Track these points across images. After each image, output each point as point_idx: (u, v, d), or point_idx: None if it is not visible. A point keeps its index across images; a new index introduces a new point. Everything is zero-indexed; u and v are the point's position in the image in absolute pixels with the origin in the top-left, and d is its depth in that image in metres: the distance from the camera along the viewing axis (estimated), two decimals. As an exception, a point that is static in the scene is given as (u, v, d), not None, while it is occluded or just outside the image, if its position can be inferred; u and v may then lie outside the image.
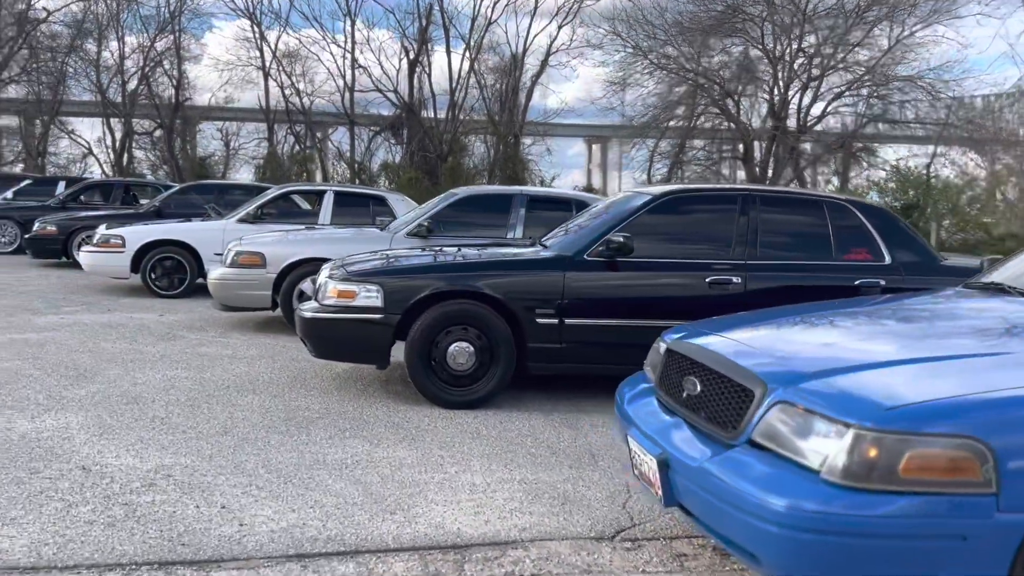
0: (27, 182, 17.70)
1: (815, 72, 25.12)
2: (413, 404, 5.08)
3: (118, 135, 36.11)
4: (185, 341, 7.03)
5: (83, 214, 13.18)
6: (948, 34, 22.77)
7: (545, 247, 5.46)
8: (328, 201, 10.26)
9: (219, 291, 7.51)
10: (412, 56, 34.64)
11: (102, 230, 9.95)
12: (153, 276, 9.78)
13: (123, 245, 9.71)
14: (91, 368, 5.81)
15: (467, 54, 33.80)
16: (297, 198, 11.51)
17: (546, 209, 7.87)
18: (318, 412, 4.84)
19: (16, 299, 9.18)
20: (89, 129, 38.50)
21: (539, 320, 4.91)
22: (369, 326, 4.92)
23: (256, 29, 34.49)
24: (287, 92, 35.43)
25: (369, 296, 4.92)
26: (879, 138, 27.14)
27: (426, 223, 7.50)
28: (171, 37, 35.62)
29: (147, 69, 35.74)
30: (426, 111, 34.58)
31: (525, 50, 33.59)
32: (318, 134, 36.20)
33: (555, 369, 5.07)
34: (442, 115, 34.29)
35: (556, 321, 4.92)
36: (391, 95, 34.11)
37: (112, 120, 35.97)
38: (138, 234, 9.79)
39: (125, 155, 36.78)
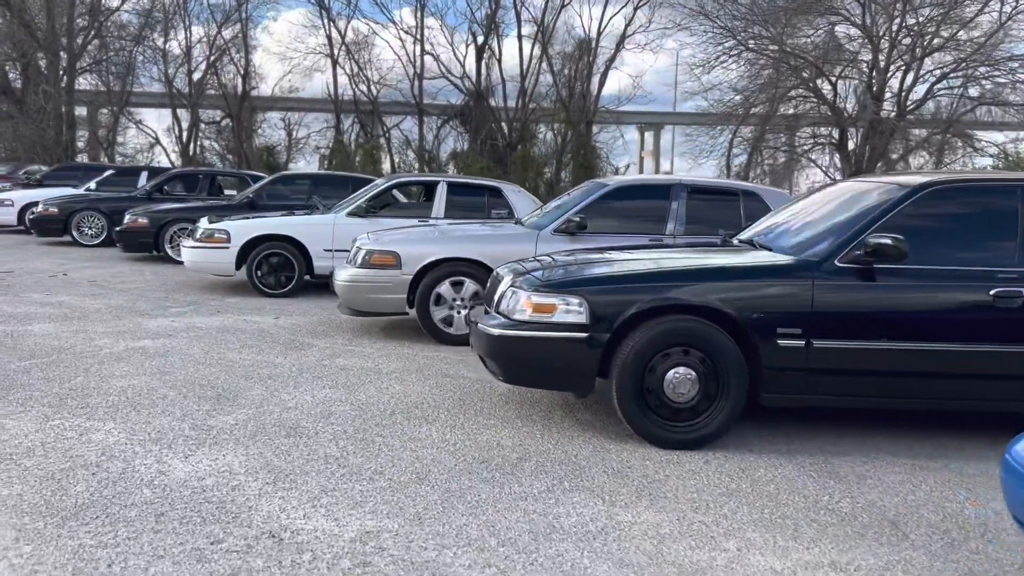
0: (109, 172, 17.32)
1: (918, 52, 23.60)
2: (617, 440, 4.24)
3: (184, 124, 36.05)
4: (315, 351, 6.30)
5: (173, 206, 12.64)
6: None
7: (764, 249, 4.57)
8: (441, 193, 9.48)
9: (348, 294, 6.76)
10: (480, 42, 33.90)
11: (204, 224, 9.32)
12: (259, 273, 9.12)
13: (228, 240, 9.07)
14: (228, 387, 5.10)
15: (538, 38, 32.89)
16: (398, 191, 10.79)
17: (708, 201, 6.96)
18: (515, 450, 4.03)
19: (118, 298, 8.59)
20: (156, 119, 38.62)
21: (780, 342, 4.02)
22: (572, 347, 4.08)
23: (324, 15, 34.01)
24: (355, 80, 35.00)
25: (571, 311, 4.08)
26: (979, 124, 25.51)
27: (577, 218, 6.64)
28: (237, 26, 35.43)
29: (213, 58, 35.60)
30: (494, 99, 33.78)
31: (600, 32, 32.52)
32: (386, 122, 35.61)
33: (795, 401, 4.18)
34: (511, 103, 33.47)
35: (802, 343, 4.02)
36: (459, 82, 33.42)
37: (179, 110, 35.94)
38: (244, 229, 9.13)
39: (192, 144, 36.75)
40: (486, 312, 4.74)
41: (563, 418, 4.64)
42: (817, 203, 4.92)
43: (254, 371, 5.55)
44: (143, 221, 12.04)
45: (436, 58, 33.39)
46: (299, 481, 3.54)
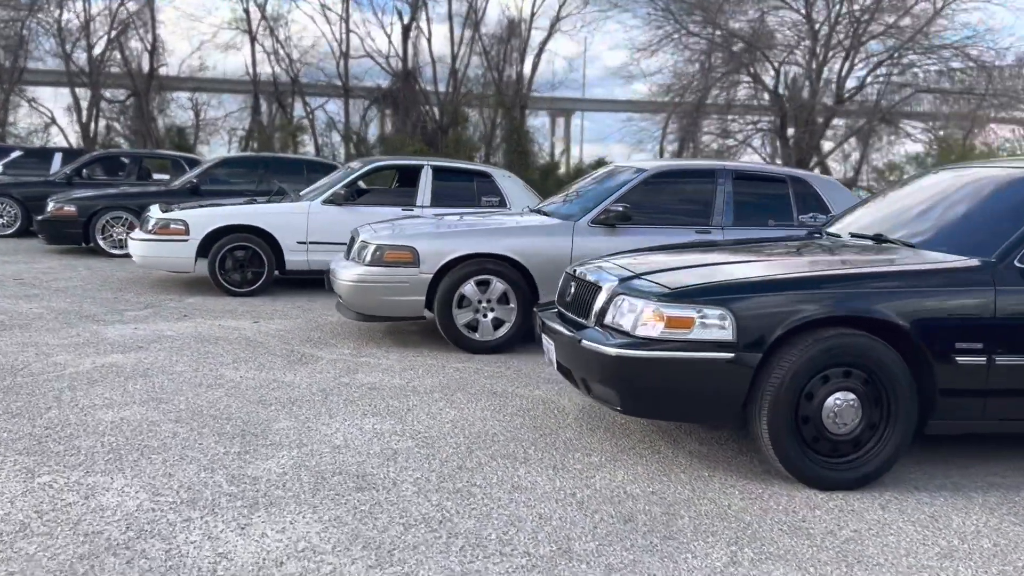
0: (17, 153, 15.62)
1: (853, 40, 23.71)
2: (758, 480, 3.51)
3: (84, 104, 33.46)
4: (325, 364, 5.36)
5: (104, 192, 11.27)
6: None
7: (906, 246, 3.91)
8: (426, 179, 8.57)
9: (356, 296, 5.82)
10: (407, 20, 32.64)
11: (157, 213, 8.14)
12: (223, 269, 8.02)
13: (186, 232, 7.93)
14: (247, 418, 4.14)
15: (470, 18, 31.90)
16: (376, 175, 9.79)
17: (755, 188, 6.30)
18: (651, 501, 3.25)
19: (59, 300, 7.38)
20: (52, 98, 35.76)
21: (959, 359, 3.37)
22: (716, 370, 3.32)
23: (243, -11, 32.03)
24: (275, 58, 33.19)
25: (713, 325, 3.32)
26: (915, 115, 25.89)
27: (619, 208, 5.87)
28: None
29: (116, 32, 33.15)
30: (423, 81, 32.60)
31: (533, 13, 31.72)
32: (309, 104, 33.97)
33: (970, 427, 3.54)
34: (442, 86, 32.37)
35: (983, 360, 3.38)
36: (384, 62, 32.09)
37: (79, 88, 33.31)
38: (205, 219, 8.00)
39: (93, 125, 34.22)
40: (568, 319, 3.94)
41: (671, 450, 3.88)
42: (944, 193, 4.29)
43: (267, 394, 4.59)
44: (70, 209, 10.66)
45: (361, 39, 32.02)
46: (411, 561, 2.68)
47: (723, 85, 25.48)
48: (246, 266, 8.08)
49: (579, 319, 3.86)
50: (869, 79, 24.29)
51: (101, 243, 10.68)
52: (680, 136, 32.03)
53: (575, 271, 4.21)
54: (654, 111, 30.27)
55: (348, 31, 31.99)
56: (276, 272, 8.19)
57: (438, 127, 32.10)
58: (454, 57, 32.22)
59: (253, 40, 32.82)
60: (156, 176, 14.33)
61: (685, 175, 6.40)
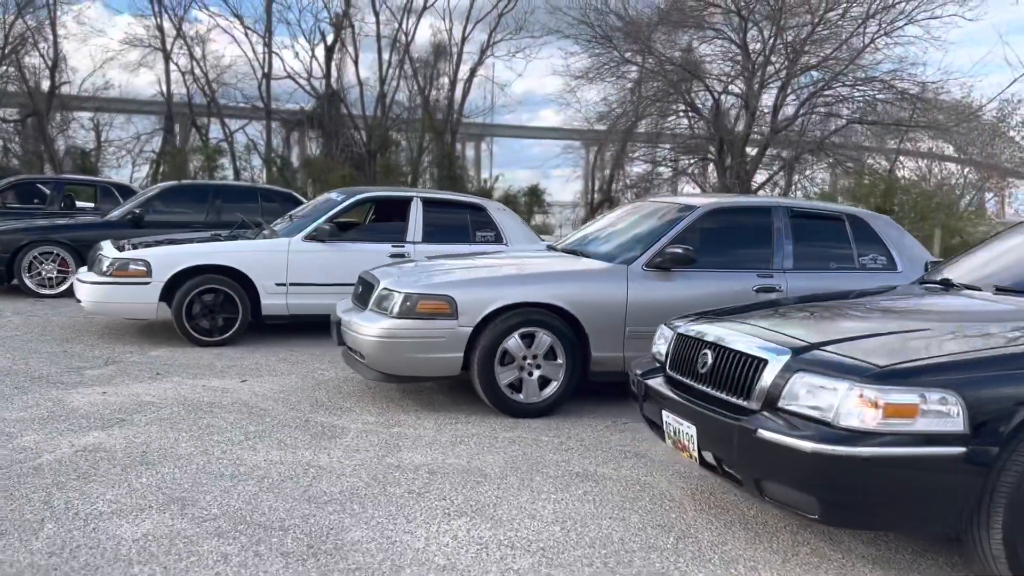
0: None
1: (787, 71, 24.02)
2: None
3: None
4: (358, 440, 4.51)
5: (28, 225, 9.98)
6: (924, 33, 22.16)
7: None
8: (416, 212, 7.78)
9: (383, 354, 4.98)
10: (330, 41, 31.60)
11: (111, 252, 7.07)
12: (189, 316, 7.00)
13: (148, 273, 6.89)
14: (306, 525, 3.28)
15: (397, 41, 31.13)
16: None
17: (813, 228, 5.77)
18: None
19: (2, 356, 6.25)
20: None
21: None
22: (945, 470, 2.69)
23: (157, 3, 30.37)
24: (191, 77, 31.53)
25: (937, 413, 2.69)
26: (842, 147, 26.32)
27: (679, 250, 5.22)
28: (41, 11, 30.85)
29: (10, 48, 30.87)
30: (347, 105, 31.52)
31: (464, 38, 31.19)
32: (228, 125, 32.41)
33: None
34: (369, 108, 31.39)
35: None
36: (308, 83, 30.91)
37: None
38: (169, 258, 6.98)
39: (-16, 145, 31.73)
40: (705, 396, 3.26)
41: (837, 552, 3.23)
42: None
43: (311, 486, 3.73)
44: (-9, 244, 9.36)
45: (282, 59, 30.82)
46: None
47: (658, 112, 25.44)
48: (216, 312, 7.08)
49: (729, 397, 3.18)
50: (802, 110, 24.62)
51: (28, 282, 9.40)
52: (611, 164, 31.97)
53: (695, 333, 3.52)
54: (588, 139, 30.14)
55: (270, 51, 30.72)
56: (250, 318, 7.23)
57: (367, 151, 31.11)
58: (382, 80, 31.35)
59: (167, 58, 31.13)
60: (82, 204, 12.97)
61: (741, 213, 5.81)
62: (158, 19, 30.68)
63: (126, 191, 12.45)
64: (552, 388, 5.12)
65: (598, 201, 30.66)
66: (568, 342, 5.09)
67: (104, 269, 6.93)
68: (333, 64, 31.50)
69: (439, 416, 5.05)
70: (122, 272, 6.88)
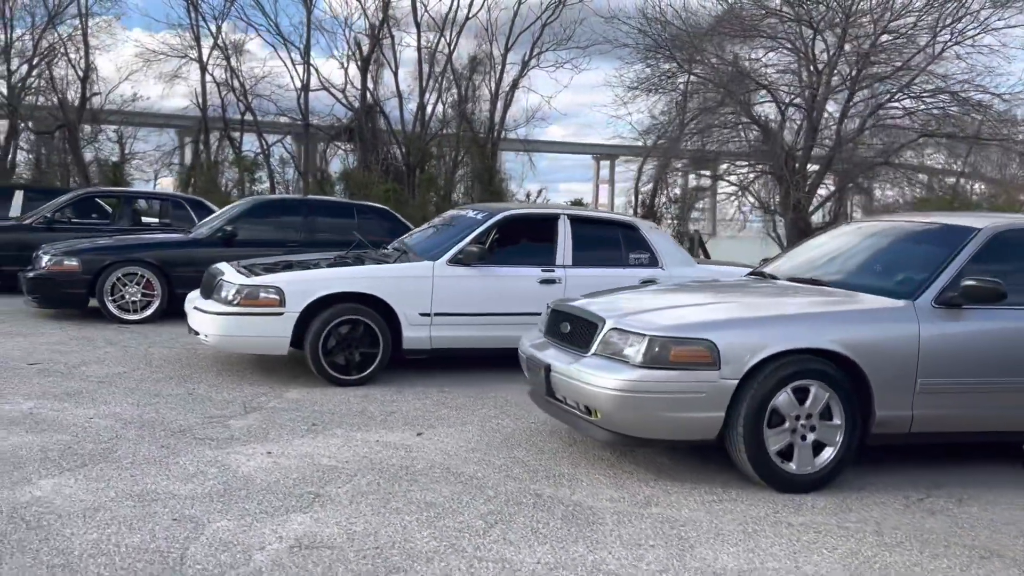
0: (-32, 191, 13.17)
1: (856, 80, 23.05)
2: None
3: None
4: (622, 525, 3.56)
5: (111, 243, 9.10)
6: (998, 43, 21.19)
7: None
8: (564, 232, 6.87)
9: (626, 411, 4.03)
10: (366, 52, 30.83)
11: (235, 277, 6.16)
12: (325, 351, 6.09)
13: (281, 302, 5.98)
14: None
15: (440, 52, 30.32)
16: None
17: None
18: None
19: (120, 400, 5.32)
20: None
21: None
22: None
23: (194, 12, 29.67)
24: (226, 88, 30.77)
25: None
26: (903, 166, 25.26)
27: (979, 283, 4.23)
28: (73, 22, 30.13)
29: (39, 59, 30.17)
30: (387, 119, 30.69)
31: (508, 48, 30.35)
32: (266, 138, 31.66)
33: None
34: (406, 118, 30.55)
35: None
36: (345, 95, 30.06)
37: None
38: (304, 285, 6.07)
39: (10, 156, 30.98)
40: None
41: None
42: None
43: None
44: (72, 264, 8.47)
45: (317, 70, 30.05)
46: None
47: (721, 124, 24.52)
48: (353, 345, 6.16)
49: None
50: (869, 122, 23.66)
51: (110, 306, 8.51)
52: (655, 178, 31.11)
53: None
54: (635, 153, 29.34)
55: (308, 63, 29.94)
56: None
57: (406, 165, 30.28)
58: (422, 92, 30.56)
59: (203, 68, 30.42)
60: (147, 220, 12.12)
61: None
62: (194, 28, 30.03)
63: (198, 205, 11.58)
64: (828, 455, 4.15)
65: (641, 216, 29.75)
66: (847, 398, 4.14)
67: (229, 297, 6.02)
68: (369, 76, 30.78)
69: (689, 489, 4.10)
70: (251, 301, 5.97)
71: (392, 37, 30.67)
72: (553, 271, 6.71)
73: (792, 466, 4.11)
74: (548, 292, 6.61)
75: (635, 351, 4.07)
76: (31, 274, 8.56)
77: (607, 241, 7.09)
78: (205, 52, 30.04)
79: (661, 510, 3.79)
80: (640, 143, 28.49)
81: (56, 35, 30.21)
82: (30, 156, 33.00)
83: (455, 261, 6.43)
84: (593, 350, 4.30)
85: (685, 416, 4.04)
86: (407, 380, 6.35)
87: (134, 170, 33.33)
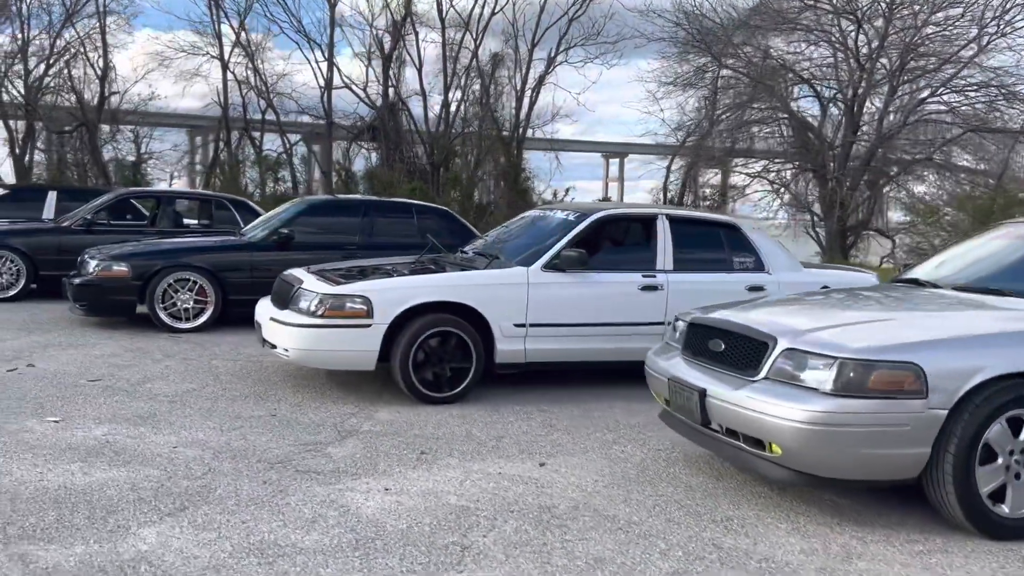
0: (-1, 192, 12.69)
1: (899, 73, 22.34)
2: None
3: (15, 134, 29.56)
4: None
5: (159, 246, 8.57)
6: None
7: None
8: (664, 234, 6.30)
9: (817, 448, 3.45)
10: (387, 50, 30.28)
11: (316, 285, 5.61)
12: (415, 365, 5.53)
13: (369, 313, 5.43)
14: None
15: (464, 47, 29.73)
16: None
17: None
18: None
19: (199, 424, 4.78)
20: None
21: None
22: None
23: (215, 10, 29.16)
24: (247, 86, 30.25)
25: None
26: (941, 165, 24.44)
27: None
28: (90, 20, 29.62)
29: (54, 59, 29.68)
30: (412, 117, 30.11)
31: (534, 44, 29.73)
32: (288, 137, 31.16)
33: None
34: (428, 115, 29.94)
35: None
36: (366, 92, 29.50)
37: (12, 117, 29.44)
38: (393, 293, 5.51)
39: (27, 157, 30.52)
40: None
41: None
42: None
43: None
44: (122, 269, 7.95)
45: (338, 68, 29.51)
46: None
47: (759, 119, 23.87)
48: (443, 360, 5.61)
49: None
50: (912, 116, 22.96)
51: (161, 315, 7.97)
52: (684, 176, 30.56)
53: None
54: (664, 152, 28.83)
55: (331, 62, 29.40)
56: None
57: (429, 163, 29.72)
58: (446, 89, 29.99)
59: (225, 67, 29.93)
60: (188, 221, 11.60)
61: None
62: (216, 26, 29.53)
63: (241, 206, 11.06)
64: (1044, 495, 3.58)
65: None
66: (1065, 428, 3.56)
67: (311, 308, 5.46)
68: (391, 73, 30.22)
69: (885, 536, 3.53)
70: (337, 312, 5.42)
71: (416, 33, 30.14)
72: (654, 276, 6.14)
73: (1004, 509, 3.53)
74: (649, 300, 6.08)
75: (823, 376, 3.50)
76: (77, 280, 8.04)
77: (709, 243, 6.52)
78: (226, 50, 29.60)
79: (868, 565, 3.22)
80: (671, 140, 27.93)
81: (75, 32, 29.81)
82: (46, 156, 32.59)
83: (550, 266, 5.87)
84: (764, 374, 3.72)
85: (885, 453, 3.46)
86: (499, 397, 5.80)
87: (151, 170, 32.90)
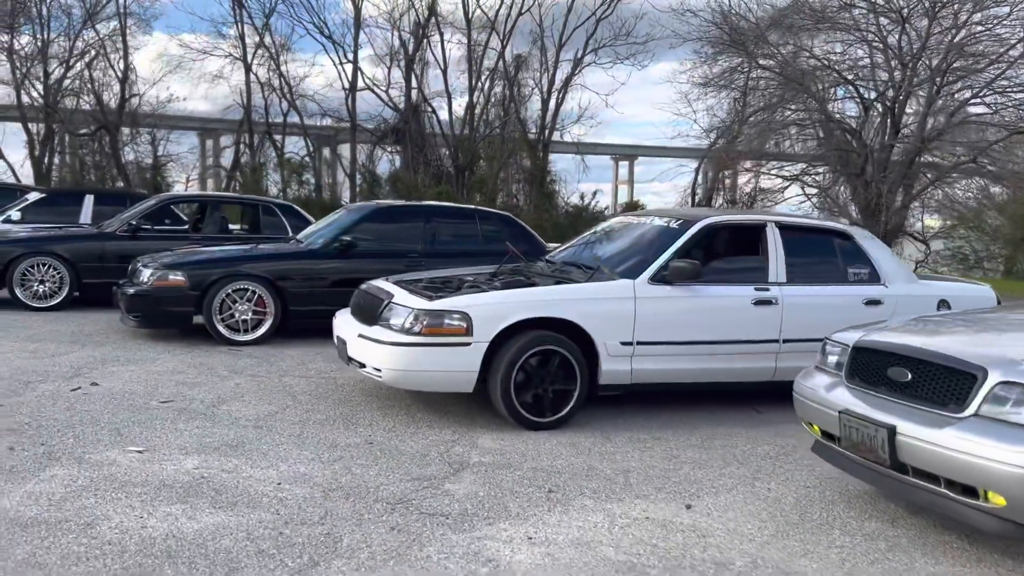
0: (35, 196, 12.29)
1: (943, 73, 21.74)
2: None
3: (34, 136, 29.19)
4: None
5: (217, 254, 8.13)
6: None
7: None
8: (775, 243, 5.82)
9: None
10: (411, 51, 29.87)
11: (410, 299, 5.15)
12: (516, 386, 5.06)
13: (468, 331, 4.96)
14: None
15: (490, 48, 29.30)
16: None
17: None
18: None
19: (293, 455, 4.32)
20: (-1, 130, 31.19)
21: None
22: None
23: (238, 10, 28.81)
24: (269, 88, 29.88)
25: None
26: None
27: None
28: (109, 22, 29.33)
29: (75, 60, 29.38)
30: (438, 119, 29.66)
31: (560, 45, 29.26)
32: (311, 140, 30.80)
33: None
34: (450, 117, 29.49)
35: None
36: (388, 94, 29.08)
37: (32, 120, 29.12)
38: (494, 309, 5.04)
39: (46, 160, 30.26)
40: None
41: None
42: None
43: None
44: (178, 278, 7.51)
45: (361, 71, 29.10)
46: None
47: (797, 122, 23.33)
48: (547, 382, 5.14)
49: None
50: (955, 117, 22.36)
51: (220, 327, 7.53)
52: (712, 181, 30.16)
53: None
54: (695, 156, 28.38)
55: (356, 64, 28.99)
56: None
57: (454, 166, 29.30)
58: (471, 90, 29.58)
59: (248, 68, 29.57)
60: (233, 226, 11.17)
61: None
62: (239, 27, 29.20)
63: (289, 211, 10.63)
64: None
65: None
66: None
67: (407, 325, 5.00)
68: (414, 75, 29.82)
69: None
70: (435, 329, 4.95)
71: (441, 34, 29.76)
72: (768, 289, 5.66)
73: None
74: (763, 315, 5.60)
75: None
76: (131, 290, 7.60)
77: (821, 252, 6.04)
78: (249, 52, 29.24)
79: None
80: (700, 143, 27.43)
81: (96, 34, 29.53)
82: (67, 159, 32.34)
83: (658, 279, 5.40)
84: (972, 410, 3.23)
85: None
86: (602, 422, 5.34)
87: (170, 172, 32.60)
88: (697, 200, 31.38)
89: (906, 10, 21.47)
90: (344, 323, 5.69)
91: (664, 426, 5.29)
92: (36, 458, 4.11)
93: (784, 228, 5.96)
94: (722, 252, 5.94)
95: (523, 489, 4.00)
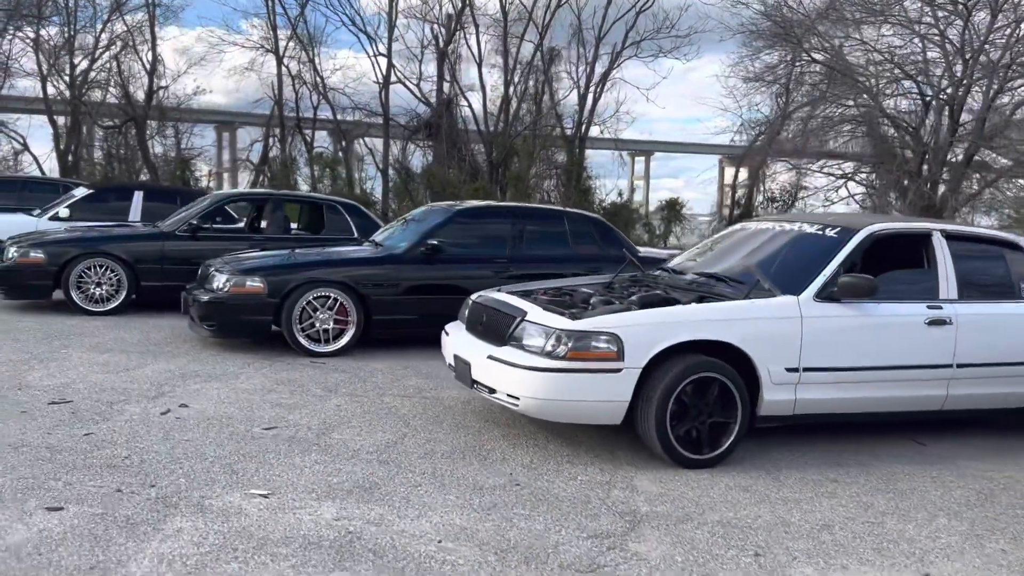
0: (82, 191, 11.75)
1: (1008, 68, 20.87)
2: None
3: (61, 128, 28.73)
4: None
5: (297, 258, 7.54)
6: None
7: None
8: (943, 255, 5.22)
9: None
10: (443, 45, 29.22)
11: (545, 316, 4.53)
12: (672, 418, 4.45)
13: (619, 355, 4.34)
14: None
15: (525, 40, 28.61)
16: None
17: None
18: None
19: (442, 502, 3.74)
20: (24, 123, 30.71)
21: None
22: None
23: (271, 1, 28.21)
24: (301, 82, 29.31)
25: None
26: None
27: None
28: (136, 13, 28.80)
29: (102, 51, 28.89)
30: (473, 113, 29.01)
31: (599, 37, 28.52)
32: (344, 134, 30.21)
33: None
34: (484, 111, 28.82)
35: None
36: (419, 88, 28.43)
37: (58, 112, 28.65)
38: (648, 331, 4.41)
39: (72, 153, 29.79)
40: None
41: None
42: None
43: None
44: (256, 285, 6.93)
45: (393, 64, 28.47)
46: None
47: (854, 121, 22.55)
48: (705, 413, 4.52)
49: None
50: (1019, 114, 21.53)
51: (300, 337, 6.95)
52: (752, 176, 29.47)
53: None
54: (734, 154, 27.69)
55: (390, 59, 28.33)
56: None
57: (489, 162, 28.65)
58: (507, 84, 28.87)
59: (280, 61, 29.01)
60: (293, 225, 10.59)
61: None
62: (272, 17, 28.63)
63: (353, 210, 10.05)
64: None
65: (736, 217, 27.88)
66: None
67: (549, 348, 4.39)
68: (447, 68, 29.18)
69: None
70: (581, 353, 4.34)
71: (477, 26, 29.07)
72: (940, 308, 5.02)
73: None
74: (936, 336, 4.98)
75: None
76: (205, 297, 7.02)
77: (991, 265, 5.41)
78: (281, 44, 28.71)
79: None
80: (736, 139, 26.71)
81: (124, 25, 29.05)
82: (97, 152, 31.89)
83: (825, 296, 4.76)
84: None
85: None
86: (763, 459, 4.72)
87: (196, 166, 32.14)
88: (736, 197, 30.64)
89: (969, 2, 20.66)
90: (462, 340, 5.09)
91: (833, 464, 4.67)
92: (151, 504, 3.53)
93: (951, 237, 5.32)
94: (887, 264, 5.28)
95: (723, 552, 3.39)
